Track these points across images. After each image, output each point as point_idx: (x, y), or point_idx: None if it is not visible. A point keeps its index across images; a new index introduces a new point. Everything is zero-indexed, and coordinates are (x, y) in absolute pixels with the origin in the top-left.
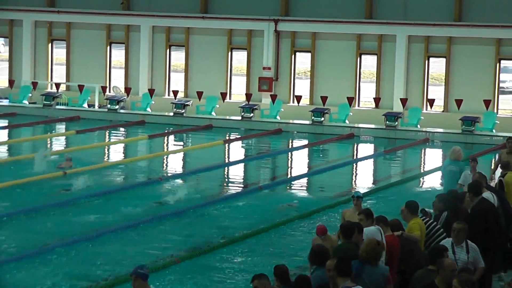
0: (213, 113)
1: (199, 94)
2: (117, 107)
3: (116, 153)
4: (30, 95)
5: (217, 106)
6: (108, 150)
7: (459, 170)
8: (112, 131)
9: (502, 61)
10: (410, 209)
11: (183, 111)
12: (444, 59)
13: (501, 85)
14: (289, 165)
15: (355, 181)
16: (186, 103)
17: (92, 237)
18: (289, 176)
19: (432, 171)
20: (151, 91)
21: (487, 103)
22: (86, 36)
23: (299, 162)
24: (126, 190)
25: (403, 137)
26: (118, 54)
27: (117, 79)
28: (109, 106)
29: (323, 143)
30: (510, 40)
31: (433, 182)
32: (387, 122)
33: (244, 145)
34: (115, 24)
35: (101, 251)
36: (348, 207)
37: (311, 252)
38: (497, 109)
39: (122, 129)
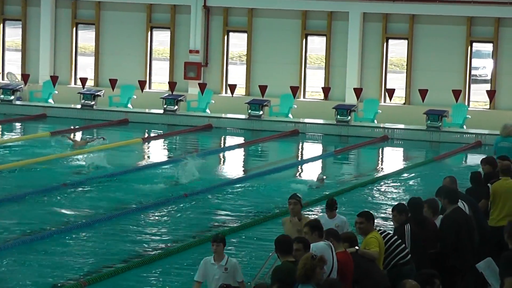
0: (129, 105)
1: (113, 83)
2: (12, 97)
3: (11, 154)
4: None
5: (134, 97)
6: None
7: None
8: (6, 127)
9: (474, 44)
10: (368, 219)
11: (93, 102)
12: (405, 41)
13: (473, 72)
14: (221, 168)
15: (299, 187)
16: (96, 94)
17: None
18: (221, 181)
19: (391, 175)
20: (54, 79)
21: (456, 94)
22: None
23: (233, 164)
24: (23, 198)
25: (357, 134)
26: (13, 34)
27: (12, 64)
28: (2, 96)
29: (262, 141)
30: (483, 19)
31: (392, 187)
32: (338, 117)
33: (167, 144)
34: None
35: None
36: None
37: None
38: (469, 101)
39: (18, 124)
